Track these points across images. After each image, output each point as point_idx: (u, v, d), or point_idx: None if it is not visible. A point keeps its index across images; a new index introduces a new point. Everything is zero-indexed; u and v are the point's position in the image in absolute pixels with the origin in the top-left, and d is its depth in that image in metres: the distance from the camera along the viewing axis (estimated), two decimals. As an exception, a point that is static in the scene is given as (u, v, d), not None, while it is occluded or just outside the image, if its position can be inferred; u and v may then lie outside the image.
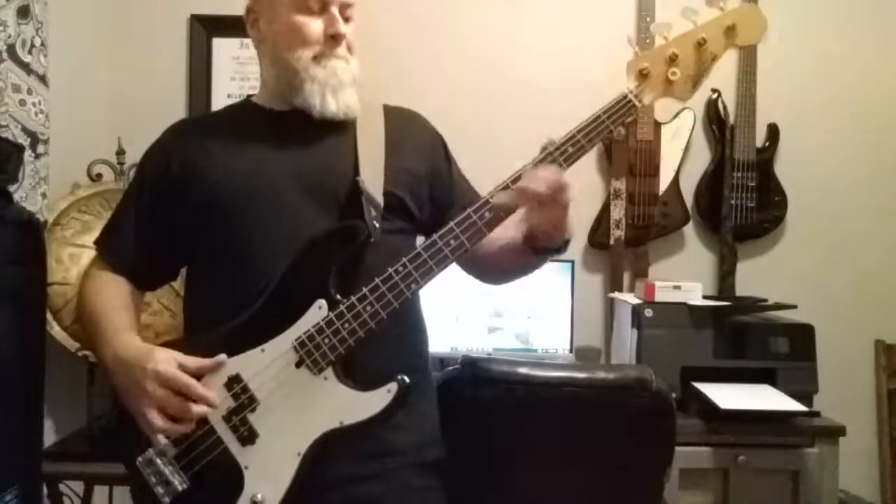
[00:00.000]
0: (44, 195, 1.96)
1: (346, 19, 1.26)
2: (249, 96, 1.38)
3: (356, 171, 1.23)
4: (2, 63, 1.81)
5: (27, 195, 1.88)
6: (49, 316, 1.93)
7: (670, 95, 1.21)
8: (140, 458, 1.14)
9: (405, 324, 1.25)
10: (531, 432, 1.33)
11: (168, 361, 1.12)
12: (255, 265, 1.19)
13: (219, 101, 2.43)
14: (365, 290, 1.13)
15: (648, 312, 2.06)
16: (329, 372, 1.13)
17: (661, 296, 2.11)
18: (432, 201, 1.34)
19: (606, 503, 1.38)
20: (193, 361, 1.13)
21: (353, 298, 1.13)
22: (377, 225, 1.18)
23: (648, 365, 1.41)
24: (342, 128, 1.28)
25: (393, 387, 1.12)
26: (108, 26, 2.42)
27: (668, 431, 1.35)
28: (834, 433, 1.96)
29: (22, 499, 1.54)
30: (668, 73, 1.19)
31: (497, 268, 1.36)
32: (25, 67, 1.88)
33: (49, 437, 2.00)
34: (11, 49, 1.84)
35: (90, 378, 2.14)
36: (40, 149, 1.94)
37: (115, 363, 1.17)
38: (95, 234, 2.17)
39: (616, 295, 2.36)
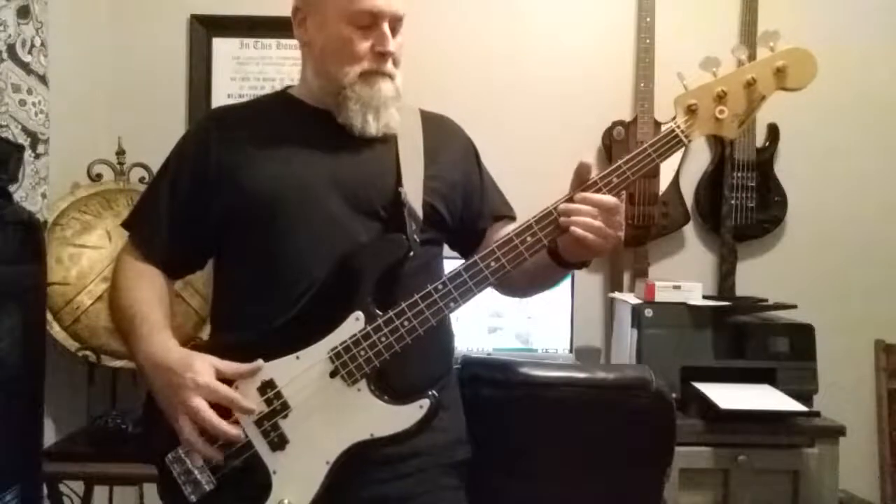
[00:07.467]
0: (44, 195, 1.96)
1: (394, 31, 1.23)
2: (287, 88, 1.35)
3: (399, 182, 1.22)
4: (2, 63, 1.81)
5: (27, 195, 1.88)
6: (49, 316, 1.93)
7: (717, 133, 1.21)
8: (169, 455, 1.14)
9: (437, 331, 1.21)
10: (531, 432, 1.33)
11: (208, 372, 1.11)
12: (292, 270, 1.18)
13: (219, 102, 2.42)
14: (403, 305, 1.13)
15: (648, 312, 2.06)
16: (363, 384, 1.13)
17: (661, 296, 2.11)
18: (463, 210, 1.34)
19: (606, 503, 1.38)
20: (230, 367, 1.13)
21: (391, 313, 1.13)
22: (417, 239, 1.19)
23: (648, 365, 1.41)
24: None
25: (425, 403, 1.12)
26: (108, 26, 2.42)
27: (668, 431, 1.35)
28: (834, 433, 1.96)
29: (22, 499, 1.55)
30: (717, 110, 1.19)
31: (523, 283, 1.34)
32: (25, 67, 1.88)
33: (49, 437, 2.00)
34: (11, 49, 1.84)
35: (90, 378, 2.14)
36: (40, 149, 1.94)
37: (150, 364, 1.16)
38: (95, 234, 2.17)
39: (616, 295, 2.36)
